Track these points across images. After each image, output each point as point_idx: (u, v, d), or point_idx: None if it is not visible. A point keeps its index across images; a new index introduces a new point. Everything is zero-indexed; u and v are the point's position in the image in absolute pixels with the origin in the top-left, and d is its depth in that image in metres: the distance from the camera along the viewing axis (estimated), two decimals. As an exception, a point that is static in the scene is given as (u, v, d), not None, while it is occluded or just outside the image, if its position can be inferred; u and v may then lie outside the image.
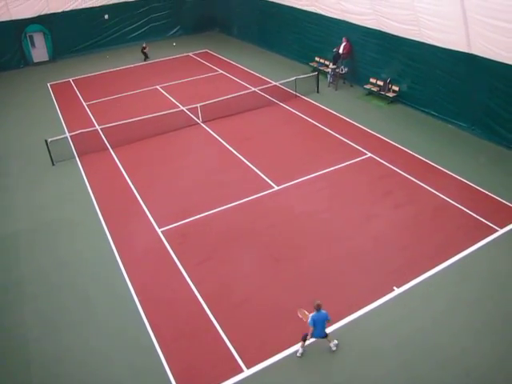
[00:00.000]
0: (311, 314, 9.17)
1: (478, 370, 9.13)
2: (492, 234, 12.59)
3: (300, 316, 9.58)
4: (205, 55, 30.16)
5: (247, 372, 9.36)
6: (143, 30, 33.18)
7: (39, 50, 30.39)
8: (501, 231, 12.65)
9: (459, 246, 12.23)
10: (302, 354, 9.60)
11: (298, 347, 9.67)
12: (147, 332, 10.40)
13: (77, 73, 27.94)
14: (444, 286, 11.11)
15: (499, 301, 10.62)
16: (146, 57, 29.98)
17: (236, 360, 9.61)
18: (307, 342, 9.56)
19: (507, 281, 11.15)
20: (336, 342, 9.70)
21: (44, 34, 30.00)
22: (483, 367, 9.19)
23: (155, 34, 33.50)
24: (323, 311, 9.13)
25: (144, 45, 29.99)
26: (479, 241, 12.35)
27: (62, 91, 25.32)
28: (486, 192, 14.28)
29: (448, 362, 9.32)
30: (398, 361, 9.40)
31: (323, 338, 9.48)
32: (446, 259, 11.82)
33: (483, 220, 13.09)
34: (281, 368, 9.43)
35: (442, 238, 12.58)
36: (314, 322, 9.10)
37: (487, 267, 11.57)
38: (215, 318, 10.59)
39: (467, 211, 13.48)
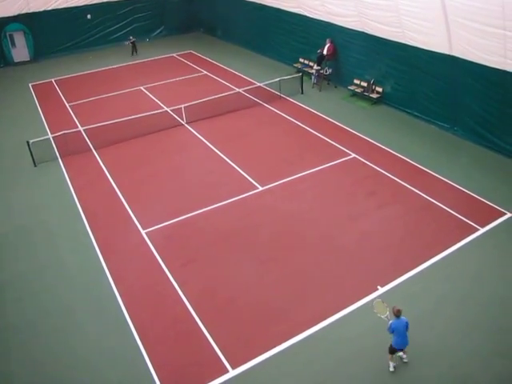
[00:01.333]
0: (391, 321, 8.73)
1: (462, 367, 9.23)
2: (474, 233, 12.76)
3: (375, 311, 9.07)
4: (189, 56, 30.07)
5: (232, 372, 9.35)
6: (127, 30, 32.82)
7: (20, 50, 29.93)
8: (482, 230, 12.83)
9: (442, 245, 12.36)
10: (394, 367, 9.18)
11: (283, 346, 9.68)
12: (132, 335, 10.31)
13: (59, 73, 27.63)
14: (427, 284, 11.23)
15: (481, 299, 10.75)
16: (135, 50, 30.18)
17: (221, 360, 9.59)
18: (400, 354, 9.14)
19: (489, 279, 11.29)
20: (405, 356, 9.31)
21: (25, 33, 29.57)
22: (467, 365, 9.29)
23: (139, 35, 33.13)
24: (404, 318, 8.74)
25: (131, 37, 30.16)
26: (462, 240, 12.50)
27: (44, 92, 25.02)
28: (468, 192, 14.47)
29: (432, 359, 9.41)
30: (384, 359, 9.45)
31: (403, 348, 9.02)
32: (429, 258, 11.94)
33: (465, 219, 13.26)
34: (266, 368, 9.42)
35: (426, 238, 12.71)
36: (393, 330, 8.70)
37: (469, 266, 11.71)
38: (200, 320, 10.55)
39: (450, 211, 13.64)
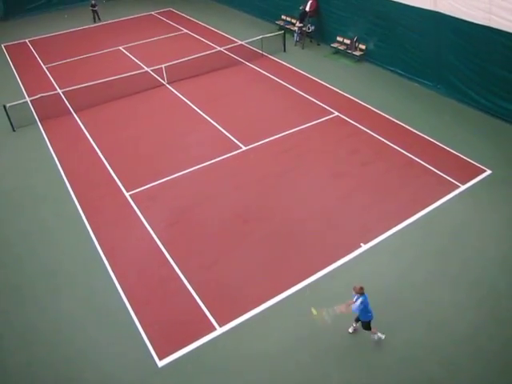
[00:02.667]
0: (359, 300, 8.57)
1: (439, 320, 9.58)
2: (455, 189, 12.97)
3: (316, 317, 8.94)
4: (168, 14, 29.18)
5: (220, 330, 9.57)
6: (103, -13, 31.65)
7: (-12, 8, 28.69)
8: (463, 187, 13.04)
9: (424, 202, 12.57)
10: (383, 335, 9.28)
11: (269, 304, 9.96)
12: (119, 295, 10.44)
13: (34, 33, 26.65)
14: (409, 241, 11.48)
15: (461, 254, 11.06)
16: (97, 17, 28.08)
17: (209, 319, 9.79)
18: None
19: (468, 235, 11.59)
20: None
21: (-8, -12, 28.27)
22: (445, 317, 9.65)
23: (115, -9, 32.08)
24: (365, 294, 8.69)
25: (93, 1, 27.65)
26: (443, 197, 12.72)
27: (19, 53, 24.18)
28: (450, 149, 14.60)
29: (413, 313, 9.73)
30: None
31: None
32: (412, 215, 12.16)
33: (446, 177, 13.44)
34: (252, 325, 9.66)
35: (408, 195, 12.89)
36: (366, 305, 8.66)
37: (450, 222, 11.97)
38: (187, 279, 10.69)
39: (432, 168, 13.79)
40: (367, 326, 9.04)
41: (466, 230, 11.73)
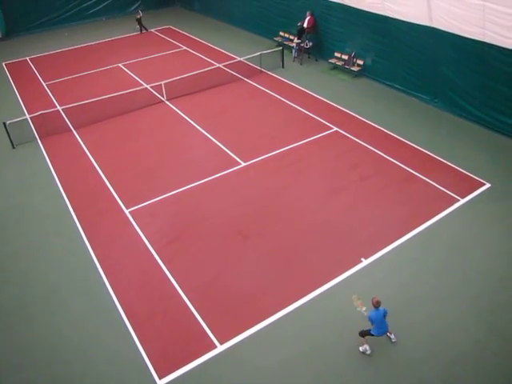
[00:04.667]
0: (369, 312, 8.74)
1: (441, 334, 9.51)
2: (454, 203, 12.98)
3: (354, 304, 9.03)
4: (168, 31, 29.48)
5: (220, 348, 9.49)
6: (103, 5, 32.16)
7: (-10, 27, 29.00)
8: (462, 201, 13.05)
9: (424, 216, 12.56)
10: (368, 350, 9.22)
11: (270, 320, 9.87)
12: (119, 313, 10.36)
13: (34, 51, 26.89)
14: (409, 255, 11.45)
15: (461, 268, 11.02)
16: (143, 27, 28.96)
17: (209, 336, 9.71)
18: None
19: (469, 248, 11.56)
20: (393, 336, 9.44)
21: (-6, 8, 28.59)
22: (447, 331, 9.58)
23: (116, 10, 32.48)
24: (382, 308, 8.72)
25: (139, 14, 28.82)
26: (443, 211, 12.72)
27: (19, 71, 24.36)
28: (449, 163, 14.65)
29: (414, 327, 9.67)
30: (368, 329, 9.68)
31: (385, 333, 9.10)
32: (412, 229, 12.15)
33: (446, 190, 13.46)
34: (253, 342, 9.58)
35: (408, 209, 12.89)
36: (373, 320, 8.74)
37: (450, 236, 11.95)
38: (187, 297, 10.63)
39: (431, 182, 13.82)
40: (364, 333, 9.03)
41: (466, 244, 11.71)
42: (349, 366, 9.09)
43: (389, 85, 19.87)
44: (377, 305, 8.65)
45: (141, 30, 29.08)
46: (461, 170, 14.32)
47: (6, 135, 16.90)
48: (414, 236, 11.99)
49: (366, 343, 9.23)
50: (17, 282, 11.46)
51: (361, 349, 9.26)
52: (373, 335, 8.97)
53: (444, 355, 9.12)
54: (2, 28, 29.28)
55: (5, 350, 9.80)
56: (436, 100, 18.12)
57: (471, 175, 14.05)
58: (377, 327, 8.84)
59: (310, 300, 10.41)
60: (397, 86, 19.54)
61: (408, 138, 16.08)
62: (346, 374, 8.96)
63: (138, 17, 28.92)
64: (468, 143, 15.66)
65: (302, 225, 12.60)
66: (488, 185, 13.60)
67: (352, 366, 9.10)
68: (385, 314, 8.81)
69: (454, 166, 14.53)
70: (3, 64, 25.37)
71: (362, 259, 11.36)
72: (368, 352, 9.23)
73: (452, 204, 12.96)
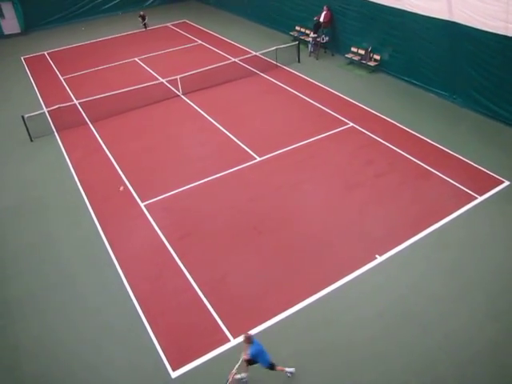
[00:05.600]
0: (248, 352, 8.09)
1: (456, 333, 9.40)
2: (472, 201, 12.80)
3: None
4: (183, 25, 29.51)
5: (233, 342, 9.51)
6: (118, -1, 32.27)
7: (9, 22, 29.31)
8: (480, 199, 12.87)
9: (440, 213, 12.41)
10: (245, 378, 8.72)
11: (283, 316, 9.87)
12: (134, 306, 10.44)
13: (51, 45, 27.16)
14: (425, 253, 11.32)
15: (476, 267, 10.87)
16: (145, 26, 29.08)
17: (222, 330, 9.74)
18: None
19: (486, 247, 11.39)
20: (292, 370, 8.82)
21: (13, 3, 28.85)
22: (461, 330, 9.46)
23: (132, 4, 32.63)
24: (256, 340, 8.17)
25: (141, 13, 28.86)
26: (459, 208, 12.55)
27: (37, 65, 24.63)
28: (466, 160, 14.44)
29: (428, 326, 9.57)
30: (381, 326, 9.62)
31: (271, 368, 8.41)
32: (428, 227, 12.01)
33: (463, 188, 13.28)
34: (266, 337, 9.55)
35: (424, 206, 12.75)
36: (256, 354, 8.13)
37: (467, 234, 11.79)
38: (201, 290, 10.67)
39: (448, 179, 13.64)
40: (271, 367, 8.40)
41: (484, 242, 11.54)
42: (362, 363, 9.04)
43: (406, 80, 19.64)
44: (249, 340, 8.05)
45: (145, 27, 29.03)
46: (478, 167, 14.11)
47: (25, 128, 17.10)
48: (430, 233, 11.85)
49: (284, 367, 8.66)
50: (32, 272, 11.60)
51: (288, 374, 8.74)
52: (273, 364, 8.38)
53: (460, 356, 8.99)
54: (21, 23, 29.65)
55: (19, 341, 9.94)
56: (454, 96, 17.86)
57: (489, 172, 13.83)
58: (265, 356, 8.23)
59: (324, 296, 10.36)
60: (414, 81, 19.30)
61: (425, 134, 15.89)
62: (358, 372, 8.91)
63: (142, 13, 28.97)
64: (487, 140, 15.41)
65: (316, 221, 12.54)
66: (507, 182, 13.37)
67: (364, 358, 9.05)
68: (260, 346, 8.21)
69: (471, 163, 14.32)
70: (22, 58, 25.66)
71: (377, 256, 11.27)
72: (293, 370, 8.78)
73: (469, 202, 12.78)
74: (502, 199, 12.82)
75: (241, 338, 9.31)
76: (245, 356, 8.22)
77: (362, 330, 9.59)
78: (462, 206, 12.64)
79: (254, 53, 22.35)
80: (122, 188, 13.14)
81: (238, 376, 8.64)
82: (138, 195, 13.91)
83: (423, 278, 10.69)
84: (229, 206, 13.27)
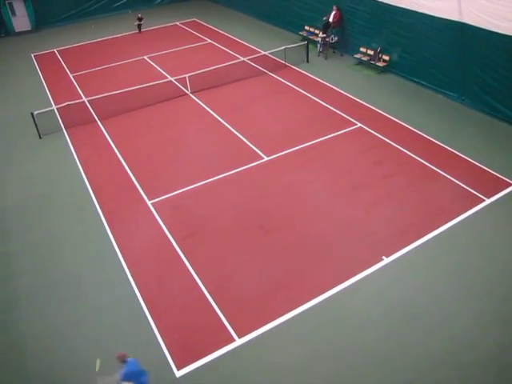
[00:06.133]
0: (120, 373, 7.46)
1: (461, 335, 9.36)
2: (479, 203, 12.72)
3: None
4: (193, 24, 29.56)
5: (239, 341, 9.52)
6: (129, -3, 32.37)
7: (20, 19, 29.48)
8: (488, 201, 12.79)
9: (447, 215, 12.35)
10: None
11: (289, 315, 9.87)
12: (139, 304, 10.49)
13: (62, 43, 27.31)
14: (432, 255, 11.28)
15: (484, 269, 10.80)
16: (139, 27, 28.77)
17: (228, 330, 9.76)
18: None
19: (494, 250, 11.32)
20: None
21: (24, 1, 29.04)
22: (466, 333, 9.42)
23: (142, 3, 32.70)
24: (130, 359, 7.65)
25: (139, 15, 28.53)
26: (467, 210, 12.48)
27: (47, 62, 24.77)
28: (475, 162, 14.36)
29: (433, 328, 9.54)
30: (386, 328, 9.60)
31: None
32: (435, 228, 11.95)
33: (471, 190, 13.20)
34: (271, 337, 9.59)
35: (431, 208, 12.69)
36: (129, 375, 7.48)
37: (475, 236, 11.73)
38: (206, 289, 10.69)
39: (456, 181, 13.57)
40: None
41: (492, 245, 11.47)
42: (366, 364, 9.02)
43: (415, 81, 19.55)
44: (122, 358, 7.58)
45: (139, 28, 28.58)
46: (487, 169, 14.03)
47: (34, 125, 17.22)
48: (437, 235, 11.79)
49: None
50: (38, 269, 11.67)
51: None
52: None
53: (466, 358, 8.95)
54: (32, 20, 29.84)
55: (24, 337, 10.01)
56: (463, 97, 17.76)
57: (497, 174, 13.74)
58: (143, 377, 7.73)
59: (330, 297, 10.35)
60: (423, 82, 19.21)
61: (433, 135, 15.81)
62: (363, 372, 8.90)
63: (140, 16, 28.54)
64: (496, 142, 15.32)
65: (323, 221, 12.53)
66: (515, 185, 13.32)
67: (370, 364, 9.04)
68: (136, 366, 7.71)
69: (479, 164, 14.24)
70: (32, 55, 25.82)
71: (383, 257, 11.24)
72: None
73: (477, 204, 12.70)
74: (510, 202, 12.73)
75: (246, 338, 9.41)
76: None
77: (367, 330, 9.58)
78: (470, 208, 12.57)
79: (263, 52, 22.35)
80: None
81: None
82: (145, 193, 13.96)
83: (429, 280, 10.65)
84: (235, 205, 13.29)
